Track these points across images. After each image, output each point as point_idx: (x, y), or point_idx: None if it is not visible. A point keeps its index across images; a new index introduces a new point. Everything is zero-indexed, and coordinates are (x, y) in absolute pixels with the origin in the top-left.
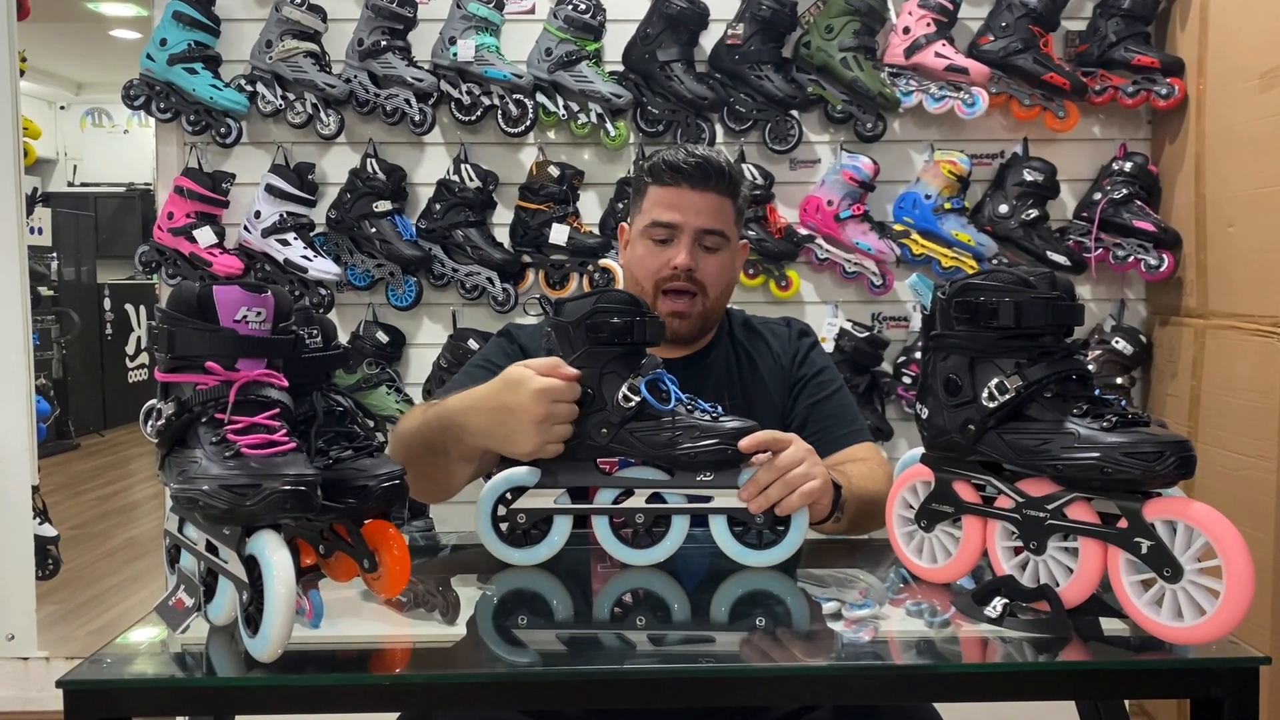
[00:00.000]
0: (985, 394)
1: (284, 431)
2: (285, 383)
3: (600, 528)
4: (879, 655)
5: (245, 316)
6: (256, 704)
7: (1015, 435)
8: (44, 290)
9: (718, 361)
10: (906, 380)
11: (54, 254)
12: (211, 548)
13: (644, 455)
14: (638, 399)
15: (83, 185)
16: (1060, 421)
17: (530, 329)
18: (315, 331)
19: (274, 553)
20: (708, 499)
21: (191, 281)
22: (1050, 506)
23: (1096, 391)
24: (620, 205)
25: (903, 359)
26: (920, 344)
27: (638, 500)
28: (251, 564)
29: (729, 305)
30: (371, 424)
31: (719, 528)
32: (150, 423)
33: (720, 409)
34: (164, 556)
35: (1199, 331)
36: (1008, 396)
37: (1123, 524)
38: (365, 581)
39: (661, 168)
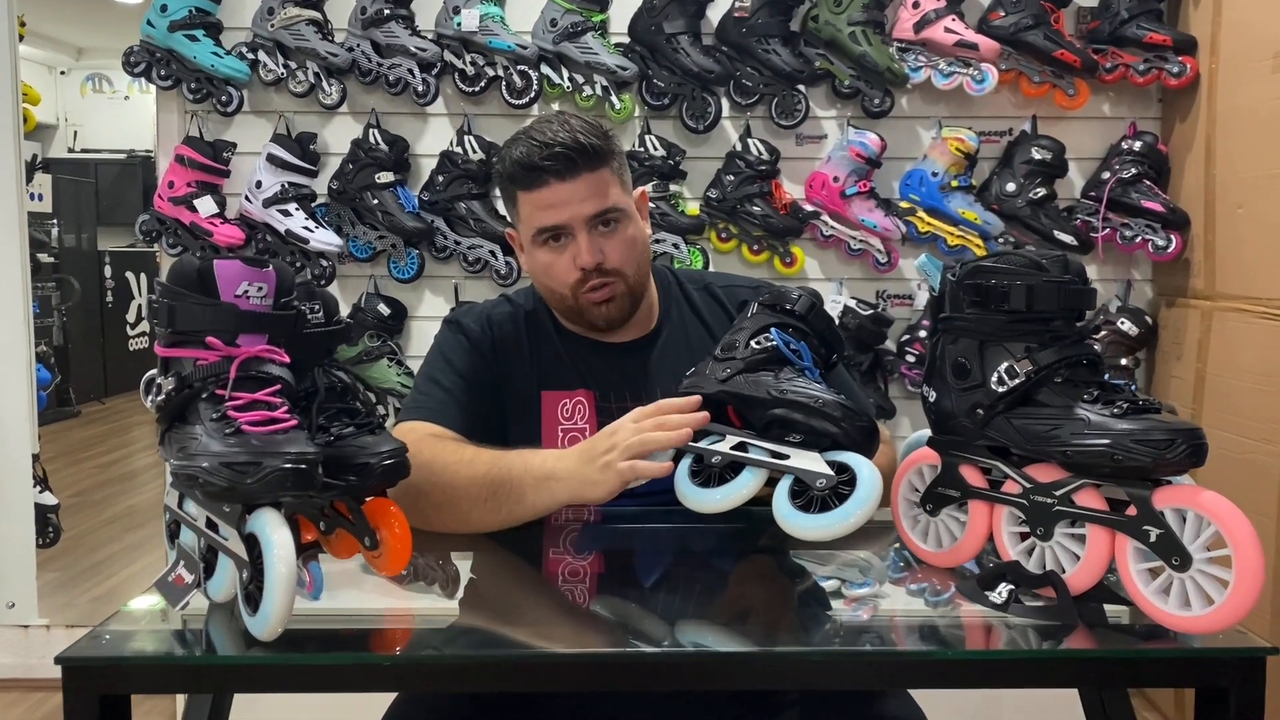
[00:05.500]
0: (994, 378)
1: (285, 408)
2: (287, 358)
3: (681, 466)
4: (880, 639)
5: (246, 291)
6: (256, 682)
7: (1024, 420)
8: (44, 257)
9: (671, 341)
10: (910, 359)
11: (54, 220)
12: (211, 524)
13: (749, 401)
14: (770, 344)
15: (83, 152)
16: (1070, 407)
17: (477, 312)
18: (317, 307)
19: (274, 531)
20: (786, 457)
21: (191, 254)
22: (1058, 493)
23: (1107, 377)
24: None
25: (907, 337)
26: (927, 324)
27: (723, 446)
28: (252, 542)
29: (678, 269)
30: (373, 397)
31: (781, 488)
32: (150, 397)
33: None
34: (164, 531)
35: (1205, 313)
36: (1017, 381)
37: (1131, 511)
38: (366, 559)
39: (520, 173)
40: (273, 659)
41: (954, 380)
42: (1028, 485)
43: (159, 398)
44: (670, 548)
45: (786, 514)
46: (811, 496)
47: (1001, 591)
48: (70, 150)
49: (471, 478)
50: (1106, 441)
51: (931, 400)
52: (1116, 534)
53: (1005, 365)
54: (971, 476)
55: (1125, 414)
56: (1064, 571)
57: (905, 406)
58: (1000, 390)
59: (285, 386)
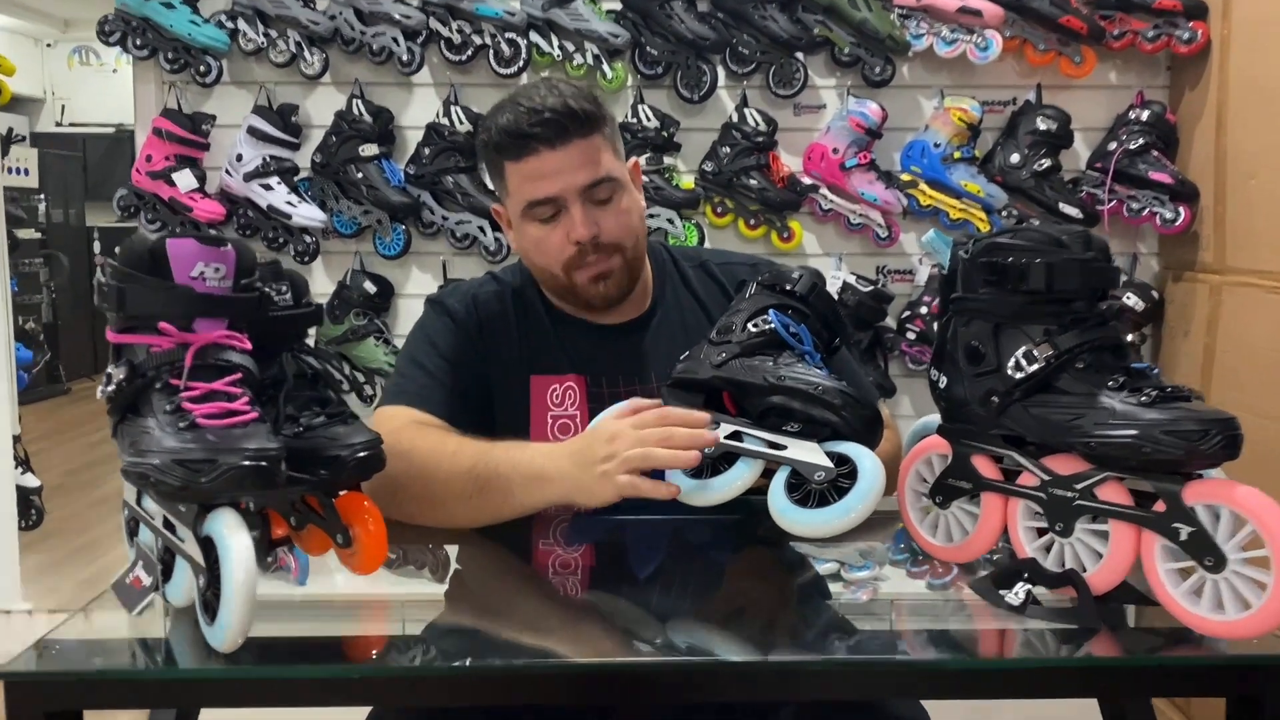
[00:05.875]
0: (1011, 363)
1: (245, 400)
2: (248, 345)
3: None
4: (889, 645)
5: (202, 273)
6: (217, 697)
7: (1043, 409)
8: (31, 233)
9: (666, 323)
10: (911, 335)
11: (41, 195)
12: (169, 524)
13: (745, 388)
14: (768, 327)
15: (71, 125)
16: (1093, 395)
17: (461, 291)
18: (284, 287)
19: (232, 534)
20: (783, 447)
21: (172, 229)
22: (1079, 486)
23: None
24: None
25: (907, 314)
26: (936, 303)
27: (718, 435)
28: (209, 545)
29: (673, 246)
30: (360, 376)
31: (777, 480)
32: (100, 386)
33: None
34: (123, 528)
35: (1215, 288)
36: (1036, 367)
37: (1160, 507)
38: (339, 557)
39: (507, 142)
40: (233, 673)
41: (966, 365)
42: (1046, 478)
43: (109, 388)
44: (664, 541)
45: (782, 508)
46: (810, 490)
47: (1018, 592)
48: (58, 124)
49: (455, 472)
50: (1133, 432)
51: (942, 386)
52: (1143, 531)
53: (1022, 349)
54: (984, 468)
55: (1153, 402)
56: (1085, 570)
57: (906, 385)
58: (1017, 376)
59: (246, 375)
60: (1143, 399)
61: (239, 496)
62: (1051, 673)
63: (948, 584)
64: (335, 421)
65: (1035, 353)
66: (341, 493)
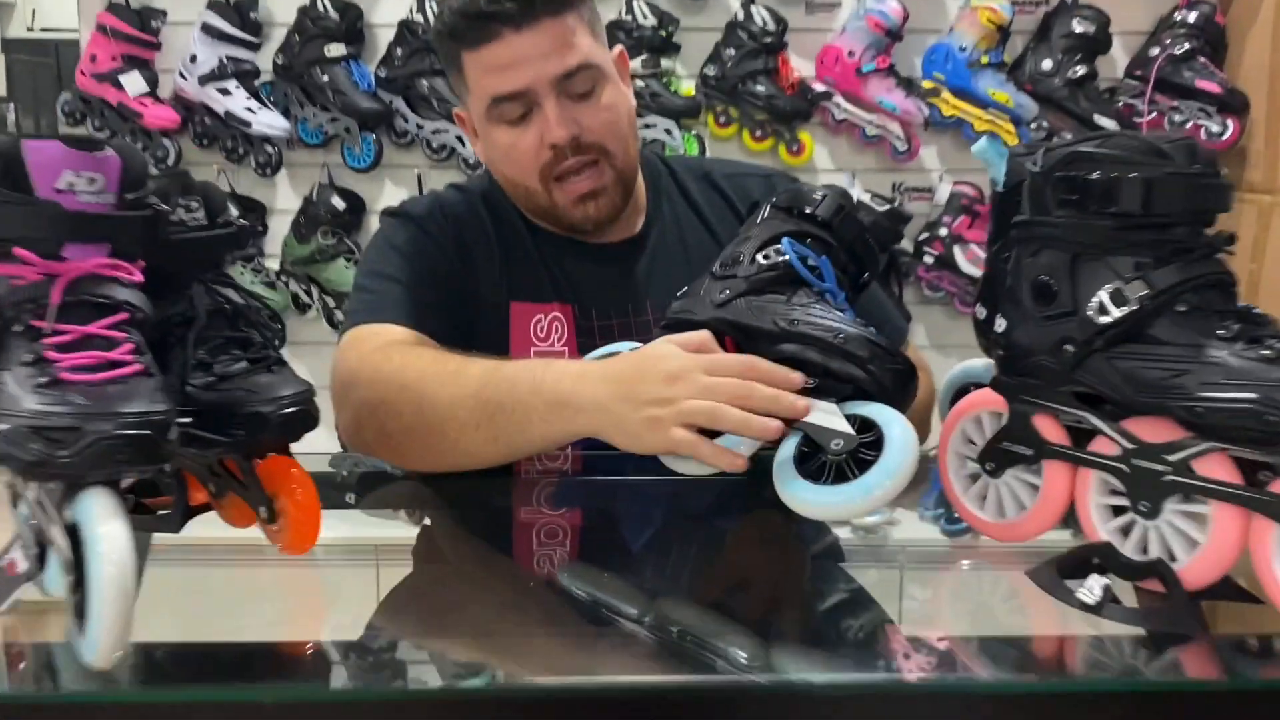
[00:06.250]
0: (1093, 304)
1: (129, 347)
2: (138, 276)
3: None
4: (935, 661)
5: (72, 184)
6: None
7: (1132, 362)
8: None
9: (664, 244)
10: (929, 260)
11: (10, 104)
12: (41, 502)
13: (751, 333)
14: (782, 259)
15: (43, 30)
16: (1200, 346)
17: (425, 202)
18: (195, 203)
19: (102, 522)
20: None
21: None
22: (1173, 457)
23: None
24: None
25: (925, 236)
26: (957, 224)
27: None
28: (75, 534)
29: (669, 157)
30: (331, 301)
31: (785, 449)
32: None
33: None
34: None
35: (1264, 209)
36: (1127, 310)
37: (1278, 487)
38: (265, 534)
39: (463, 26)
40: (118, 695)
41: (1033, 305)
42: (1129, 446)
43: None
44: (658, 508)
45: (790, 483)
46: (825, 461)
47: (1093, 587)
48: (29, 29)
49: (459, 395)
50: (1253, 395)
51: (999, 330)
52: (1254, 516)
53: (1109, 288)
54: (1049, 430)
55: (1279, 356)
56: (1174, 561)
57: (921, 313)
58: (1101, 321)
59: (135, 315)
60: (1264, 352)
61: (113, 474)
62: (1134, 700)
63: (966, 529)
64: (258, 369)
65: (1125, 291)
66: (267, 455)
